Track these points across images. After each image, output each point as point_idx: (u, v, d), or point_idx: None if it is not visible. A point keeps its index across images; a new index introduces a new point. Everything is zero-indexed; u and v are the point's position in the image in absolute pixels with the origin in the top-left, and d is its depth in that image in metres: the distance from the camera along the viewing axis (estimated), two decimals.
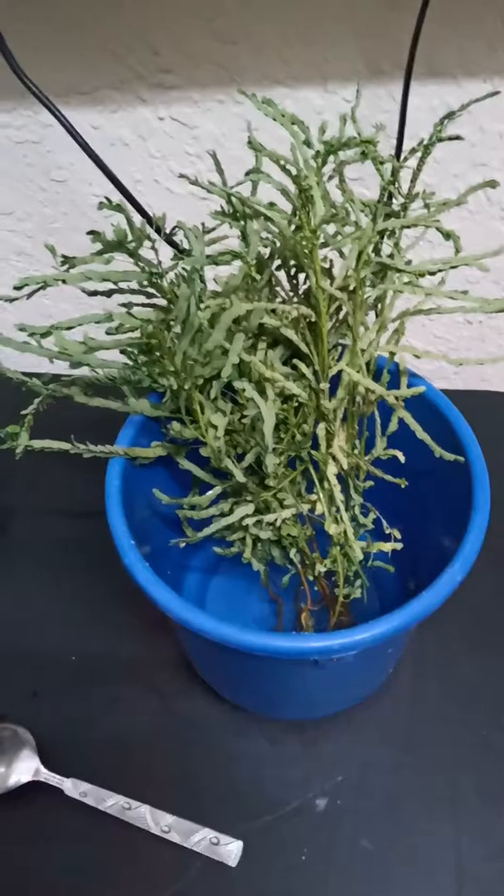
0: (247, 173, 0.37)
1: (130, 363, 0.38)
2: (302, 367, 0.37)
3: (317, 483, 0.40)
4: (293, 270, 0.39)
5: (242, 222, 0.36)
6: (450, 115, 0.36)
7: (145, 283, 0.36)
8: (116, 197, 0.36)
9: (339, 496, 0.39)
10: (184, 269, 0.37)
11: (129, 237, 0.32)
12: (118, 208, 0.32)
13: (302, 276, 0.39)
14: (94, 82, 0.52)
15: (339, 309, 0.39)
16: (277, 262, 0.38)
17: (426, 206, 0.37)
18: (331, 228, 0.37)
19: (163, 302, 0.38)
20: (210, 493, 0.41)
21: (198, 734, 0.46)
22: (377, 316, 0.39)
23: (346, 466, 0.40)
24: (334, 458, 0.39)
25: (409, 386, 0.41)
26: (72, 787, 0.42)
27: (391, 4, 0.46)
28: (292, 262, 0.38)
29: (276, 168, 0.35)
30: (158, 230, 0.35)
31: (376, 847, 0.41)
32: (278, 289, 0.40)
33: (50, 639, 0.50)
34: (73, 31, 0.49)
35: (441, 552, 0.36)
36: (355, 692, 0.45)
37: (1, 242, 0.65)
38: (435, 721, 0.46)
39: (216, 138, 0.54)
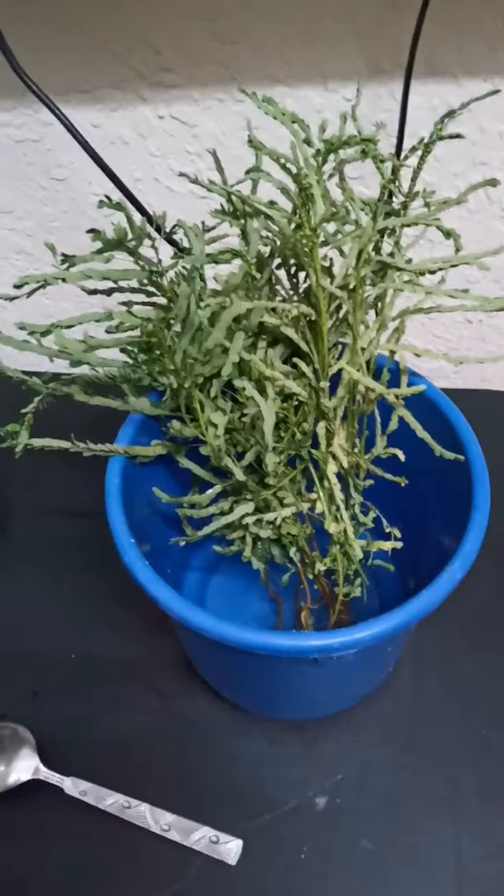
0: (247, 172, 0.37)
1: (130, 362, 0.38)
2: (302, 365, 0.37)
3: (317, 482, 0.40)
4: (293, 269, 0.39)
5: (242, 221, 0.36)
6: (450, 114, 0.36)
7: (145, 281, 0.36)
8: (116, 195, 0.36)
9: (339, 495, 0.39)
10: (184, 267, 0.37)
11: (130, 236, 0.32)
12: (118, 207, 0.32)
13: (302, 275, 0.39)
14: (95, 81, 0.52)
15: (339, 307, 0.39)
16: (277, 260, 0.38)
17: (426, 204, 0.37)
18: (331, 227, 0.37)
19: (163, 300, 0.38)
20: (210, 491, 0.41)
21: (198, 734, 0.45)
22: (377, 314, 0.39)
23: (346, 465, 0.40)
24: (334, 457, 0.39)
25: (409, 385, 0.41)
26: (72, 786, 0.42)
27: (391, 4, 0.46)
28: (292, 261, 0.38)
29: (276, 167, 0.35)
30: (158, 229, 0.35)
31: (376, 846, 0.41)
32: (278, 287, 0.40)
33: (50, 638, 0.50)
34: (73, 32, 0.49)
35: (441, 551, 0.36)
36: (355, 691, 0.45)
37: (1, 241, 0.65)
38: (435, 721, 0.46)
39: (216, 137, 0.54)
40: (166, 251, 0.37)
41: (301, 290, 0.39)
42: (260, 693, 0.45)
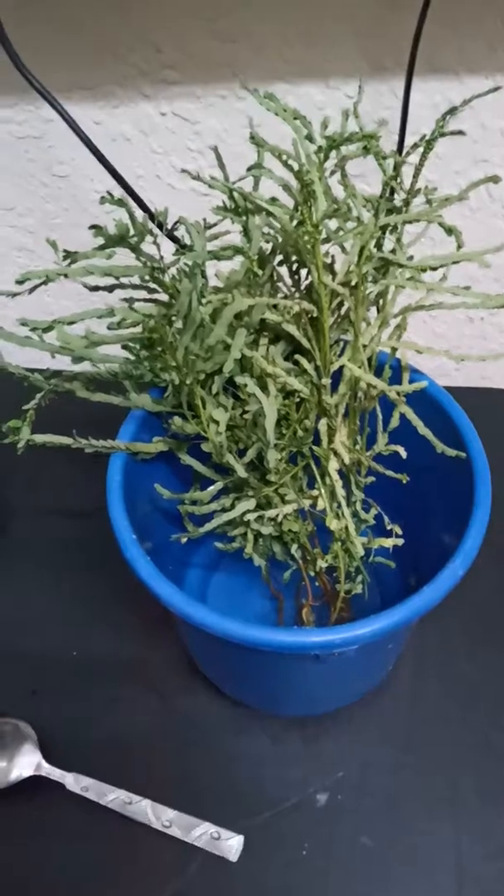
0: (249, 169, 0.37)
1: (132, 358, 0.38)
2: (304, 362, 0.37)
3: (318, 479, 0.40)
4: (295, 266, 0.39)
5: (244, 217, 0.36)
6: (452, 111, 0.36)
7: (147, 278, 0.36)
8: (118, 192, 0.36)
9: (340, 492, 0.39)
10: (185, 264, 0.37)
11: (131, 232, 0.32)
12: (120, 203, 0.32)
13: (304, 272, 0.39)
14: (96, 78, 0.52)
15: (340, 304, 0.39)
16: (279, 257, 0.38)
17: (428, 201, 0.37)
18: (333, 224, 0.37)
19: (164, 297, 0.38)
20: (211, 488, 0.41)
21: (199, 732, 0.45)
22: (379, 311, 0.39)
23: (347, 462, 0.40)
24: (336, 454, 0.39)
25: (410, 382, 0.41)
26: (73, 782, 0.42)
27: (391, 5, 0.46)
28: (294, 258, 0.38)
29: (277, 163, 0.35)
30: (160, 225, 0.35)
31: (376, 844, 0.41)
32: (280, 284, 0.40)
33: (50, 638, 0.50)
34: (74, 32, 0.49)
35: (442, 548, 0.36)
36: (356, 688, 0.45)
37: (2, 238, 0.65)
38: (435, 720, 0.46)
39: (218, 134, 0.54)
40: (168, 248, 0.37)
41: (303, 287, 0.39)
42: (261, 689, 0.45)
